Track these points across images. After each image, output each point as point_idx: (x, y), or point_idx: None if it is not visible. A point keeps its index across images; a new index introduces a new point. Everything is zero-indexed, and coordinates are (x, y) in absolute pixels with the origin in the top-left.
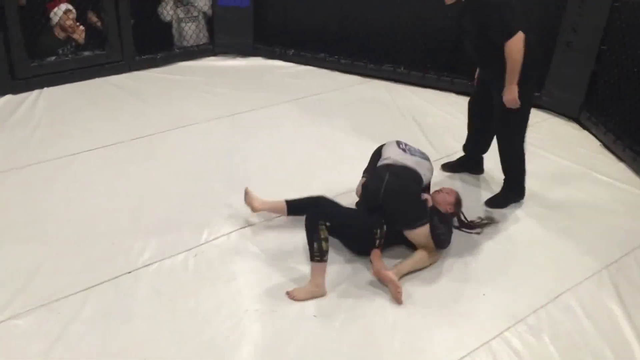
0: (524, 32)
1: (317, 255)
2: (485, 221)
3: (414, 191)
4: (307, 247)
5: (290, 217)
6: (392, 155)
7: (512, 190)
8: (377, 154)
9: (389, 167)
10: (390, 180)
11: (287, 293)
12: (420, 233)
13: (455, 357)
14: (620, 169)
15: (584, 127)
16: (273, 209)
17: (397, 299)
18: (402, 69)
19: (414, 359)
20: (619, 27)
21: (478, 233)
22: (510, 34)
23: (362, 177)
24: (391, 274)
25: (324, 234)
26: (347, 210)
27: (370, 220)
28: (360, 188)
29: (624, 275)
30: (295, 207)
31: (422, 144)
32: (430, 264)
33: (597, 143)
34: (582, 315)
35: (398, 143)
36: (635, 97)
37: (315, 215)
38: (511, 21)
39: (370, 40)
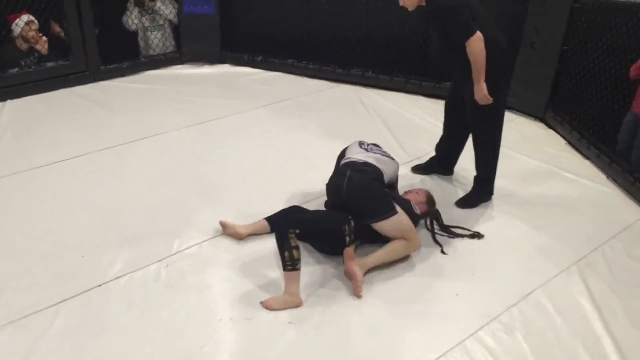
0: (486, 31)
1: (289, 263)
2: (470, 233)
3: (376, 185)
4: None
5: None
6: (353, 154)
7: (483, 189)
8: (342, 155)
9: (348, 164)
10: (351, 176)
11: (261, 303)
12: (387, 225)
13: (431, 358)
14: (586, 166)
15: (550, 126)
16: (257, 231)
17: (356, 293)
18: (370, 73)
19: None
20: (579, 27)
21: (454, 237)
22: (469, 34)
23: None
24: (355, 268)
25: (293, 242)
26: (314, 213)
27: (336, 217)
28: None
29: (593, 271)
30: (275, 223)
31: (393, 147)
32: (405, 254)
33: (562, 141)
34: (554, 311)
35: (360, 143)
36: (597, 96)
37: (283, 226)
38: (469, 22)
39: (338, 45)
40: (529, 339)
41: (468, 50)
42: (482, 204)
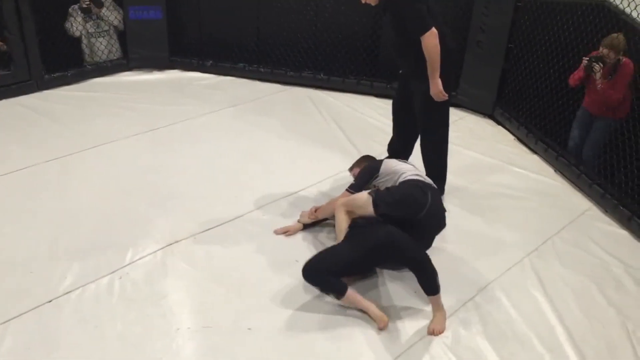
0: (438, 28)
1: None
2: None
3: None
4: (237, 259)
5: (220, 231)
6: (412, 171)
7: (435, 182)
8: (374, 169)
9: (425, 185)
10: (433, 201)
11: (431, 333)
12: None
13: (392, 357)
14: (534, 160)
15: (499, 123)
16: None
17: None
18: (321, 75)
19: None
20: (523, 25)
21: None
22: (425, 29)
23: (349, 192)
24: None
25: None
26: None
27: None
28: (351, 201)
29: (544, 262)
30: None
31: (346, 148)
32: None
33: (511, 137)
34: (508, 304)
35: (401, 160)
36: (542, 92)
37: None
38: (426, 17)
39: (289, 48)
40: (486, 332)
41: (423, 45)
42: None
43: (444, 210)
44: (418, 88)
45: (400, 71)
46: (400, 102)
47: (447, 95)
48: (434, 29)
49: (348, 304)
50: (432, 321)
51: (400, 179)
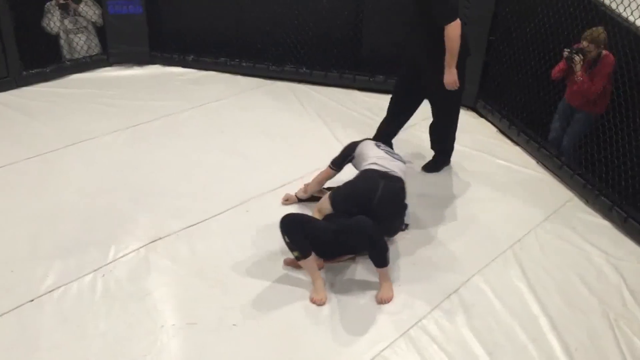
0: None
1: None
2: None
3: (404, 204)
4: (221, 255)
5: (203, 227)
6: (380, 161)
7: (444, 157)
8: (351, 149)
9: (380, 174)
10: (385, 190)
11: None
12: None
13: (377, 350)
14: (516, 152)
15: (481, 115)
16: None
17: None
18: (304, 69)
19: (338, 357)
20: (504, 18)
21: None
22: (451, 19)
23: (330, 167)
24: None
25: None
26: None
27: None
28: (321, 177)
29: (527, 254)
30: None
31: (329, 142)
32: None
33: (493, 129)
34: (492, 295)
35: (377, 145)
36: (524, 84)
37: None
38: (454, 7)
39: (271, 42)
40: (470, 324)
41: (446, 33)
42: (419, 193)
43: (399, 196)
44: (436, 78)
45: (407, 57)
46: (406, 87)
47: (459, 84)
48: (458, 20)
49: (305, 268)
50: (379, 291)
51: (362, 167)
